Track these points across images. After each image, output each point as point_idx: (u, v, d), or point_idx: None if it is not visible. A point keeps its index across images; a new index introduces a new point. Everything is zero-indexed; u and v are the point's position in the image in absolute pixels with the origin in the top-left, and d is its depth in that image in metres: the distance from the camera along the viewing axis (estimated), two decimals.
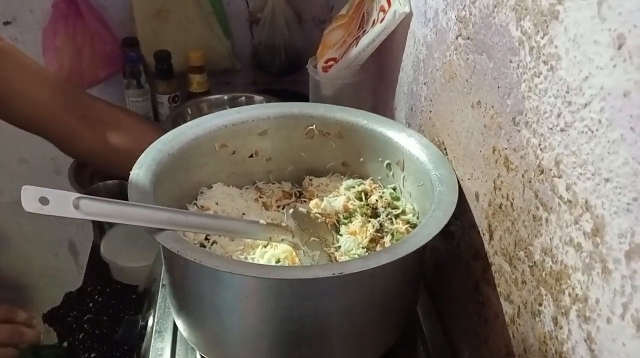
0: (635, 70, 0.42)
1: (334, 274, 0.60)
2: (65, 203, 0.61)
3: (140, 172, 0.74)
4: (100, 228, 1.22)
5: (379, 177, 0.89)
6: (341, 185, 0.89)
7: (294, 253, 0.75)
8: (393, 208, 0.83)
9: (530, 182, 0.58)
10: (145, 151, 0.78)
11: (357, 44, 1.02)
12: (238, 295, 0.66)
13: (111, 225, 1.18)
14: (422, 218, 0.79)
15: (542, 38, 0.54)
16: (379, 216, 0.82)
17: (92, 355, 0.93)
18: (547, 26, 0.53)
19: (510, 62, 0.60)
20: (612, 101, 0.45)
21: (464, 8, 0.71)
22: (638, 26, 0.41)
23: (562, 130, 0.52)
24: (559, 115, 0.52)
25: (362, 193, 0.86)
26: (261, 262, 0.76)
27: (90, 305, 0.98)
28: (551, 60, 0.52)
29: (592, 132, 0.47)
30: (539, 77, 0.55)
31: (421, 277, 0.81)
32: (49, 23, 1.48)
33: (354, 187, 0.87)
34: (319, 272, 0.62)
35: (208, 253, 0.66)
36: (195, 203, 0.84)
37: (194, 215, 0.75)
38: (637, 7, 0.41)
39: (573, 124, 0.50)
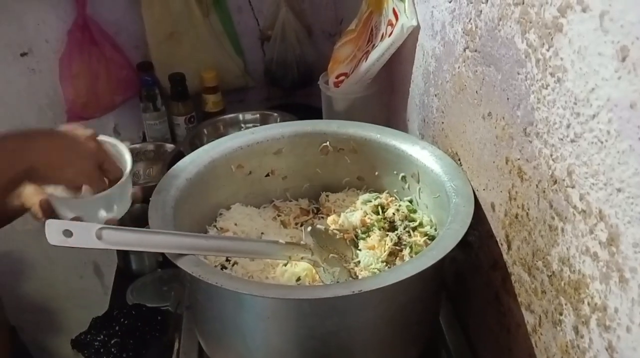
0: None
1: (353, 292, 0.61)
2: (89, 234, 0.63)
3: (159, 198, 0.76)
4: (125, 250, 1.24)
5: (395, 190, 0.89)
6: (357, 199, 0.90)
7: (314, 270, 0.76)
8: (410, 221, 0.84)
9: (544, 192, 0.59)
10: (164, 177, 0.79)
11: (367, 59, 1.03)
12: (260, 316, 0.67)
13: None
14: (440, 230, 0.80)
15: (548, 50, 0.54)
16: (396, 229, 0.83)
17: None
18: (551, 39, 0.53)
19: (518, 74, 0.61)
20: (620, 112, 0.45)
21: (469, 21, 0.71)
22: None
23: (572, 141, 0.52)
24: (568, 126, 0.53)
25: (379, 207, 0.87)
26: (282, 280, 0.77)
27: (117, 328, 0.99)
28: (557, 72, 0.53)
29: (602, 142, 0.48)
30: (546, 88, 0.55)
31: (442, 289, 0.81)
32: (64, 52, 1.51)
33: (370, 201, 0.88)
34: (338, 290, 0.62)
35: (229, 276, 0.67)
36: (215, 225, 0.85)
37: (214, 238, 0.76)
38: (639, 19, 0.42)
39: (583, 134, 0.50)
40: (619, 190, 0.46)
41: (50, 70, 1.53)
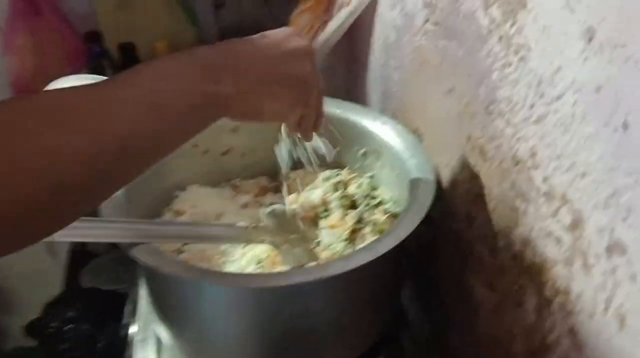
0: (607, 64, 0.41)
1: (314, 278, 0.59)
2: None
3: None
4: None
5: (356, 166, 0.87)
6: (318, 176, 0.87)
7: (274, 252, 0.74)
8: (372, 198, 0.82)
9: (506, 172, 0.57)
10: None
11: (325, 29, 1.00)
12: (219, 305, 0.65)
13: None
14: (401, 208, 0.78)
15: (511, 27, 0.52)
16: (357, 207, 0.81)
17: None
18: (515, 15, 0.51)
19: (480, 50, 0.59)
20: (585, 95, 0.43)
21: None
22: (608, 19, 0.40)
23: (536, 121, 0.51)
24: (532, 107, 0.51)
25: (340, 184, 0.85)
26: (242, 263, 0.74)
27: (71, 314, 0.96)
28: (521, 50, 0.51)
29: (566, 125, 0.46)
30: (509, 67, 0.54)
31: (404, 267, 0.80)
32: (7, 22, 1.42)
33: (331, 178, 0.86)
34: (299, 277, 0.61)
35: (186, 266, 0.65)
36: (171, 208, 0.82)
37: (170, 225, 0.74)
38: None
39: (547, 116, 0.49)
40: (583, 174, 0.45)
41: None
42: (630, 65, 0.38)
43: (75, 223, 0.61)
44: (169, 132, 0.46)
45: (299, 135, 0.66)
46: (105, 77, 0.83)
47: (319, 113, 0.63)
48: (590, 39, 0.42)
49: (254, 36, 0.58)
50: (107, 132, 0.41)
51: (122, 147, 0.41)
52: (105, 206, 0.69)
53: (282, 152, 0.75)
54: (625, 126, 0.40)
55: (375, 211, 0.80)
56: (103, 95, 0.42)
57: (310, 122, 0.62)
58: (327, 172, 0.87)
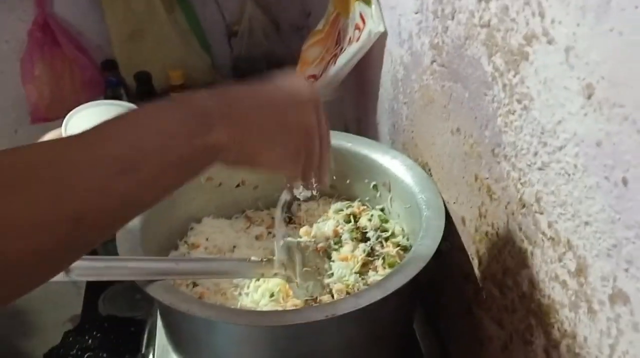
0: (606, 121, 0.42)
1: (326, 316, 0.61)
2: None
3: None
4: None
5: (367, 198, 0.89)
6: (330, 208, 0.89)
7: (287, 285, 0.76)
8: (382, 231, 0.83)
9: (513, 214, 0.59)
10: None
11: (335, 62, 1.02)
12: (233, 340, 0.67)
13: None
14: (411, 240, 0.80)
15: (514, 77, 0.54)
16: (368, 239, 0.82)
17: None
18: (517, 65, 0.53)
19: (485, 95, 0.60)
20: (586, 148, 0.45)
21: (436, 35, 0.71)
22: (606, 78, 0.42)
23: (540, 168, 0.52)
24: (535, 154, 0.53)
25: (351, 216, 0.86)
26: (255, 296, 0.76)
27: (90, 342, 0.98)
28: (524, 99, 0.53)
29: (569, 175, 0.48)
30: (513, 114, 0.55)
31: (416, 299, 0.81)
32: (25, 52, 1.46)
33: (342, 210, 0.88)
34: (311, 315, 0.62)
35: (200, 304, 0.67)
36: (186, 241, 0.84)
37: (184, 261, 0.75)
38: (603, 58, 0.42)
39: (550, 164, 0.50)
40: (586, 223, 0.47)
41: (12, 71, 1.48)
42: (628, 124, 0.40)
43: (90, 263, 0.64)
44: (146, 189, 0.44)
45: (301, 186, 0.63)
46: (123, 103, 0.85)
47: (323, 165, 0.59)
48: (589, 96, 0.44)
49: (259, 81, 0.56)
50: (69, 199, 0.38)
51: (85, 215, 0.38)
52: (121, 237, 0.71)
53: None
54: (624, 181, 0.41)
55: (386, 244, 0.82)
56: (70, 155, 0.40)
57: (311, 173, 0.59)
58: (339, 204, 0.89)
